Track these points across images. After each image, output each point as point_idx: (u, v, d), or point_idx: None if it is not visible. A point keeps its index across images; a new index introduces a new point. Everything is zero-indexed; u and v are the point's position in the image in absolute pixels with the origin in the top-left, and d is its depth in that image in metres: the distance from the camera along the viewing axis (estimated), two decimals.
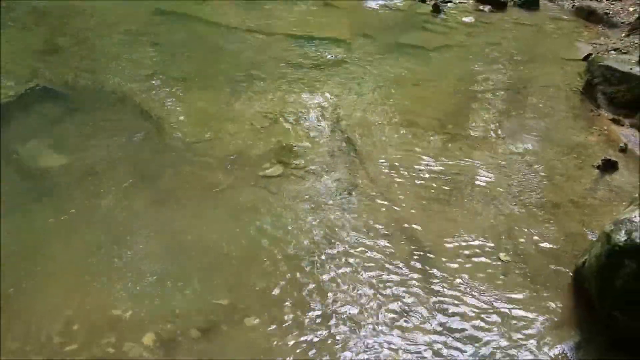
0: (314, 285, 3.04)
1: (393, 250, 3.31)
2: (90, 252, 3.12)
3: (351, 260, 3.22)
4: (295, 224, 3.47)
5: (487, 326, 2.89)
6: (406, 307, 2.96)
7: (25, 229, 3.25)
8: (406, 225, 3.53)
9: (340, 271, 3.14)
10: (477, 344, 2.80)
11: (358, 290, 3.04)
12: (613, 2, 8.24)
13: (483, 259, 3.30)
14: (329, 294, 2.99)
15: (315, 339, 2.75)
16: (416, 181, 3.98)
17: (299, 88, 5.19)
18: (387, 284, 3.08)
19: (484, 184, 4.02)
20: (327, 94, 5.12)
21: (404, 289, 3.06)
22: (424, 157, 4.27)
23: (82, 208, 3.42)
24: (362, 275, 3.13)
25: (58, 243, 3.17)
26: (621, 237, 2.58)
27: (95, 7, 6.67)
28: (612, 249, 2.61)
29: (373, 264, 3.21)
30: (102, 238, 3.22)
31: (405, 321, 2.88)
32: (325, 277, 3.10)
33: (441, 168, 4.17)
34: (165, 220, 3.40)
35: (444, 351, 2.76)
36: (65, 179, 3.67)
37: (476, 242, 3.43)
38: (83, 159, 3.87)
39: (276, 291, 2.98)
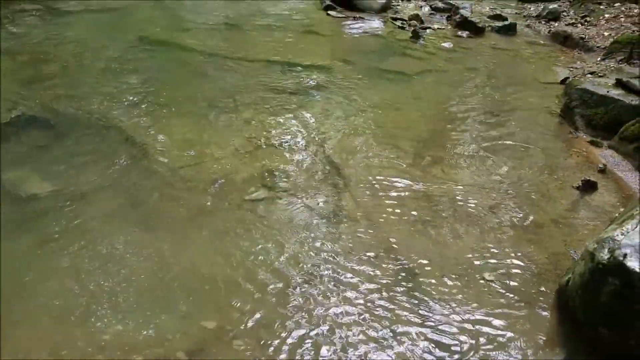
0: (300, 308, 3.02)
1: (379, 273, 3.32)
2: (77, 278, 3.07)
3: (337, 283, 3.22)
4: (281, 247, 3.46)
5: (472, 346, 2.89)
6: (393, 328, 2.95)
7: (11, 255, 3.19)
8: (391, 247, 3.55)
9: (326, 294, 3.13)
10: None
11: (345, 313, 3.02)
12: (588, 27, 8.46)
13: (468, 279, 3.31)
14: (316, 317, 2.98)
15: None
16: (400, 203, 4.01)
17: (282, 113, 5.23)
18: (374, 306, 3.08)
19: (466, 205, 4.06)
20: (310, 119, 5.17)
21: (390, 310, 3.05)
22: (408, 179, 4.30)
23: (67, 234, 3.39)
24: (348, 297, 3.12)
25: (44, 269, 3.13)
26: (604, 255, 2.62)
27: (78, 35, 6.71)
28: (596, 266, 2.64)
29: (359, 287, 3.20)
30: (88, 264, 3.18)
31: (392, 342, 2.87)
32: (312, 300, 3.09)
33: (424, 190, 4.20)
34: (151, 245, 3.37)
35: None
36: (51, 205, 3.63)
37: (461, 263, 3.44)
38: (69, 186, 3.84)
39: (263, 314, 2.96)
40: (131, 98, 5.18)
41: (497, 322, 3.03)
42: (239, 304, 3.01)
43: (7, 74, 5.42)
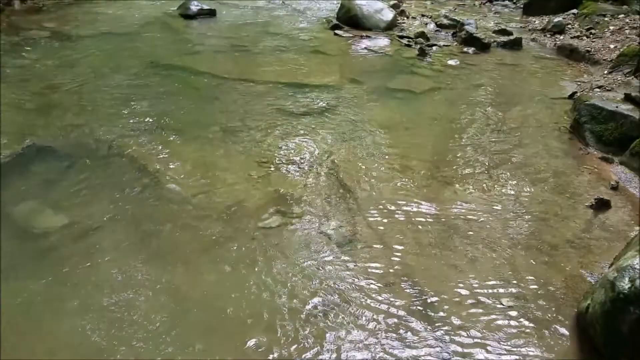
0: (318, 338, 3.02)
1: (395, 299, 3.32)
2: (90, 315, 3.08)
3: (354, 310, 3.22)
4: (296, 276, 3.47)
5: None
6: (410, 355, 2.95)
7: (24, 292, 3.21)
8: (407, 272, 3.55)
9: (344, 322, 3.13)
10: None
11: (363, 341, 3.02)
12: (594, 40, 8.48)
13: (486, 305, 3.31)
14: (334, 347, 2.98)
15: None
16: (414, 227, 4.01)
17: (293, 135, 5.26)
18: (392, 334, 3.08)
19: (481, 227, 4.06)
20: (321, 141, 5.19)
21: (408, 337, 3.05)
22: (421, 202, 4.31)
23: (80, 269, 3.39)
24: (365, 325, 3.13)
25: (57, 303, 3.14)
26: (625, 284, 2.62)
27: (87, 61, 6.77)
28: (617, 296, 2.64)
29: (376, 314, 3.20)
30: (102, 300, 3.18)
31: None
32: (330, 329, 3.09)
33: (438, 212, 4.21)
34: (165, 277, 3.38)
35: None
36: (64, 239, 3.63)
37: (478, 288, 3.44)
38: (81, 218, 3.85)
39: (280, 347, 2.96)
40: (142, 125, 5.21)
41: (516, 349, 3.02)
42: (255, 339, 3.00)
43: (17, 103, 5.48)
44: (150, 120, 5.32)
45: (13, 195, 4.05)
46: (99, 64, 6.68)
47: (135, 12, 9.27)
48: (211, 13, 9.39)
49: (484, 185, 4.65)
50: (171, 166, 4.58)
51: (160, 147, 4.85)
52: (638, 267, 2.62)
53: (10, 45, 7.07)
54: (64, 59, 6.77)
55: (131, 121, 5.28)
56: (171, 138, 5.03)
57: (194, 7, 9.25)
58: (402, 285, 3.43)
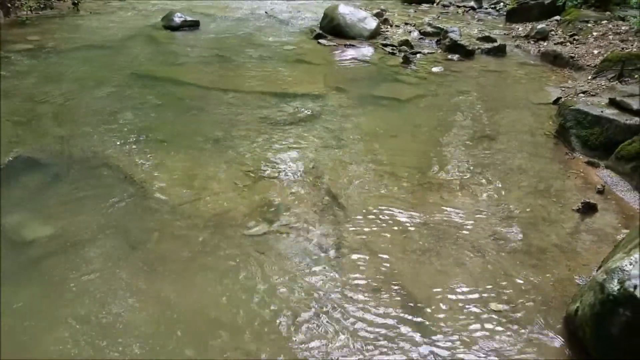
0: (306, 346, 2.98)
1: (384, 304, 3.28)
2: (79, 326, 3.02)
3: (342, 318, 3.17)
4: (283, 283, 3.42)
5: None
6: None
7: (12, 303, 3.14)
8: (395, 278, 3.52)
9: (332, 330, 3.09)
10: None
11: (351, 347, 2.98)
12: (577, 46, 8.55)
13: (475, 310, 3.28)
14: (322, 354, 2.93)
15: None
16: (401, 233, 3.99)
17: (279, 144, 5.22)
18: (380, 339, 3.04)
19: (468, 232, 4.04)
20: (306, 149, 5.17)
21: (397, 343, 3.02)
22: (407, 208, 4.29)
23: (68, 280, 3.33)
24: (354, 331, 3.08)
25: (46, 317, 3.07)
26: (614, 286, 2.60)
27: (72, 74, 6.73)
28: (606, 298, 2.63)
29: (365, 320, 3.16)
30: (90, 310, 3.12)
31: None
32: (318, 336, 3.04)
33: (425, 217, 4.19)
34: (153, 287, 3.33)
35: None
36: (52, 249, 3.58)
37: (467, 293, 3.41)
38: (68, 228, 3.80)
39: (269, 355, 2.91)
40: (128, 135, 5.17)
41: (506, 353, 2.99)
42: (244, 346, 2.96)
43: (3, 116, 5.40)
44: (136, 131, 5.28)
45: (1, 206, 3.98)
46: (83, 76, 6.63)
47: (119, 24, 9.24)
48: (195, 25, 9.38)
49: (471, 190, 4.64)
50: (157, 176, 4.53)
51: (146, 158, 4.81)
52: (627, 269, 2.61)
53: None
54: (49, 72, 6.71)
55: (116, 132, 5.23)
56: (157, 148, 4.98)
57: (178, 19, 9.24)
58: (390, 291, 3.39)
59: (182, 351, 2.92)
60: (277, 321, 3.13)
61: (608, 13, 9.52)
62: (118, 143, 5.01)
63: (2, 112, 5.47)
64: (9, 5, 9.13)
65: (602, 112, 5.45)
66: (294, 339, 3.02)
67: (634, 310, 2.50)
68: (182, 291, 3.32)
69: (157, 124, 5.49)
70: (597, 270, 3.21)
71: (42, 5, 9.71)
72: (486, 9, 12.43)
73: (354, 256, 3.72)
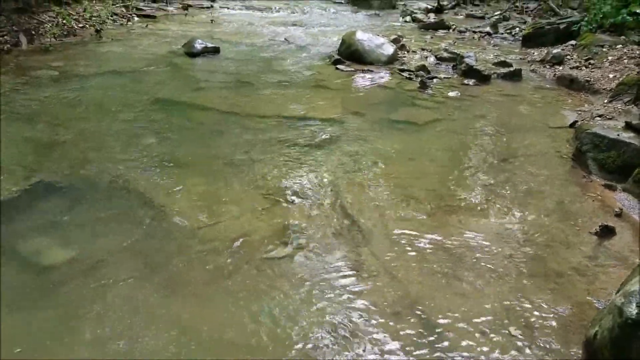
0: None
1: (403, 329, 3.31)
2: (100, 351, 3.07)
3: (362, 342, 3.20)
4: (303, 308, 3.46)
5: None
6: None
7: (33, 328, 3.21)
8: (414, 302, 3.54)
9: (351, 354, 3.12)
10: None
11: None
12: (592, 70, 8.58)
13: (494, 334, 3.29)
14: None
15: None
16: (420, 256, 4.02)
17: (297, 167, 5.30)
18: None
19: (486, 255, 4.06)
20: (325, 172, 5.23)
21: None
22: (426, 231, 4.33)
23: (88, 304, 3.39)
24: (371, 356, 3.11)
25: (65, 336, 3.14)
26: (632, 309, 2.62)
27: (93, 99, 6.87)
28: (625, 322, 2.64)
29: (384, 345, 3.19)
30: (110, 335, 3.17)
31: None
32: None
33: (443, 241, 4.22)
34: (173, 312, 3.37)
35: None
36: (72, 274, 3.64)
37: (486, 317, 3.43)
38: (89, 253, 3.86)
39: None
40: (148, 159, 5.27)
41: None
42: None
43: (24, 140, 5.55)
44: (157, 154, 5.38)
45: (21, 231, 4.07)
46: (105, 102, 6.78)
47: (141, 51, 9.43)
48: (215, 50, 9.56)
49: (489, 213, 4.67)
50: (177, 200, 4.61)
51: (166, 181, 4.89)
52: None
53: (19, 84, 7.18)
54: (72, 97, 6.87)
55: (137, 156, 5.33)
56: (177, 172, 5.08)
57: (199, 45, 9.43)
58: (409, 315, 3.42)
59: None
60: (296, 345, 3.16)
61: (623, 37, 9.55)
62: (139, 167, 5.11)
63: (25, 136, 5.62)
64: (33, 32, 9.39)
65: (618, 135, 5.47)
66: None
67: None
68: (201, 315, 3.36)
69: (177, 148, 5.59)
70: (615, 294, 3.22)
71: (65, 33, 9.97)
72: (502, 34, 12.53)
73: (373, 278, 3.76)
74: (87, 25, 10.65)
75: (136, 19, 12.24)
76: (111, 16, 11.68)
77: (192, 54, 9.31)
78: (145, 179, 4.90)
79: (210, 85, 7.82)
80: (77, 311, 3.34)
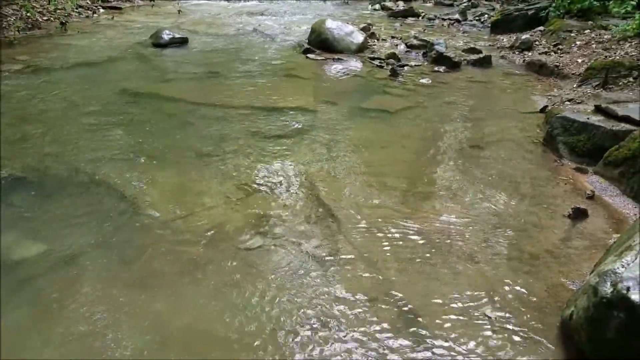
0: (302, 357, 2.98)
1: (379, 314, 3.29)
2: (72, 346, 2.98)
3: (338, 329, 3.17)
4: (279, 296, 3.42)
5: None
6: None
7: (3, 324, 3.11)
8: (390, 288, 3.52)
9: (329, 341, 3.09)
10: None
11: (348, 358, 2.98)
12: (561, 55, 8.67)
13: (470, 317, 3.30)
14: None
15: None
16: (395, 242, 4.00)
17: (270, 157, 5.24)
18: (377, 349, 3.04)
19: (461, 240, 4.07)
20: (298, 161, 5.19)
21: (393, 352, 3.02)
22: (400, 217, 4.31)
23: (60, 299, 3.30)
24: (350, 342, 3.08)
25: (36, 332, 3.05)
26: (607, 289, 2.63)
27: (60, 91, 6.72)
28: (600, 301, 2.65)
29: (361, 330, 3.16)
30: (83, 329, 3.09)
31: None
32: (314, 347, 3.04)
33: (417, 227, 4.21)
34: (146, 304, 3.30)
35: None
36: (42, 268, 3.55)
37: (461, 300, 3.43)
38: (60, 247, 3.77)
39: None
40: (118, 152, 5.17)
41: (502, 359, 3.01)
42: None
43: None
44: (126, 147, 5.28)
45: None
46: (72, 94, 6.64)
47: (107, 43, 9.27)
48: (183, 42, 9.44)
49: (462, 198, 4.68)
50: (149, 192, 4.53)
51: (136, 174, 4.80)
52: (619, 272, 2.64)
53: None
54: (38, 91, 6.71)
55: (107, 149, 5.22)
56: (147, 164, 4.99)
57: (166, 36, 9.29)
58: (386, 301, 3.40)
59: None
60: (273, 335, 3.12)
61: (590, 22, 9.67)
62: (108, 160, 5.01)
63: None
64: None
65: (588, 119, 5.52)
66: (290, 352, 3.02)
67: (628, 312, 2.52)
68: (175, 307, 3.30)
69: (147, 140, 5.49)
70: (590, 274, 3.24)
71: (29, 26, 9.74)
72: (471, 21, 12.60)
73: (349, 266, 3.73)
74: (52, 18, 10.44)
75: (102, 10, 12.03)
76: (76, 8, 11.46)
77: (159, 45, 9.17)
78: (115, 172, 4.80)
79: (179, 77, 7.70)
80: (48, 306, 3.25)
